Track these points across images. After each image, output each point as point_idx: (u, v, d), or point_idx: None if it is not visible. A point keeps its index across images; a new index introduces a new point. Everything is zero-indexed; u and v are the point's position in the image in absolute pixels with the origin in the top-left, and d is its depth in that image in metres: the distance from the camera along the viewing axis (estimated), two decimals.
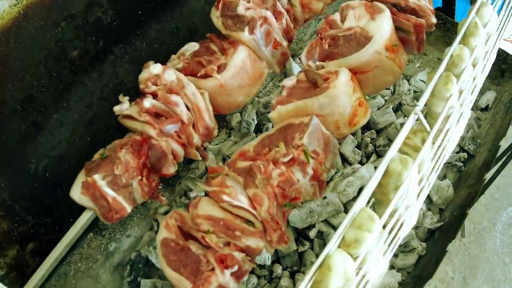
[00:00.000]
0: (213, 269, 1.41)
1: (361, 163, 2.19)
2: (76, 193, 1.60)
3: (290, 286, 1.92)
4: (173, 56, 1.79)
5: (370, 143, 2.24)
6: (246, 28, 1.68)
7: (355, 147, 2.22)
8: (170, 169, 1.66)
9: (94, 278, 2.01)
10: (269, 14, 1.71)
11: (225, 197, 1.42)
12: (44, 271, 1.64)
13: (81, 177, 1.60)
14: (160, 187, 1.83)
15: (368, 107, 1.58)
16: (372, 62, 1.57)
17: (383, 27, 1.57)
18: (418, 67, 2.60)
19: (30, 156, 1.73)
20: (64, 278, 1.94)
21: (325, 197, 2.04)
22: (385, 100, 2.34)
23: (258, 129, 2.30)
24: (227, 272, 1.42)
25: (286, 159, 1.47)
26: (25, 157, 1.72)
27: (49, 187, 1.84)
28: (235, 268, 1.43)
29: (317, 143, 1.50)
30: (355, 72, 1.60)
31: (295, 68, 2.42)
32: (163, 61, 1.95)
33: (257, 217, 1.45)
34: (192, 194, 2.10)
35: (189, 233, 1.52)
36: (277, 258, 2.00)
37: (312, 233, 2.00)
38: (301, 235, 2.04)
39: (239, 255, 1.45)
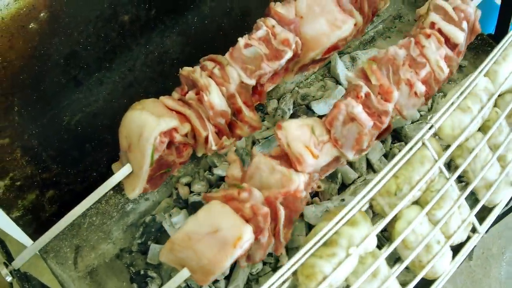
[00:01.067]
0: None
1: None
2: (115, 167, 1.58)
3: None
4: None
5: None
6: None
7: (383, 155, 2.12)
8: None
9: (106, 233, 2.03)
10: None
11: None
12: (66, 222, 1.58)
13: None
14: None
15: None
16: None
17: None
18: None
19: (66, 109, 1.72)
20: (77, 229, 1.96)
21: (343, 199, 1.99)
22: (421, 115, 2.23)
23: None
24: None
25: None
26: (61, 109, 1.71)
27: (79, 141, 1.84)
28: None
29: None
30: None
31: (340, 65, 2.32)
32: (211, 38, 1.89)
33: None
34: (215, 171, 2.04)
35: None
36: (286, 249, 1.94)
37: None
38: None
39: None
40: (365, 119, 1.43)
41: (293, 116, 2.22)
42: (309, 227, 1.99)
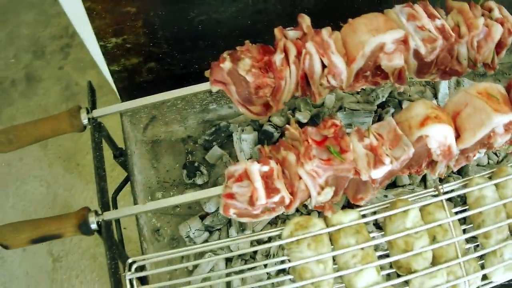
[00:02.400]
0: None
1: None
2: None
3: None
4: None
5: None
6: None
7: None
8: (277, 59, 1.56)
9: (182, 118, 2.19)
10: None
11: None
12: (155, 99, 1.67)
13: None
14: None
15: (446, 121, 1.45)
16: (461, 101, 1.47)
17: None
18: None
19: (195, 7, 1.79)
20: (159, 106, 2.00)
21: (386, 195, 2.02)
22: (488, 163, 2.13)
23: (382, 107, 2.16)
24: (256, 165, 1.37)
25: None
26: (191, 5, 1.78)
27: (194, 36, 1.90)
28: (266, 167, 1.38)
29: (386, 134, 1.44)
30: (453, 116, 1.49)
31: (444, 83, 2.24)
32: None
33: None
34: (297, 114, 2.08)
35: None
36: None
37: None
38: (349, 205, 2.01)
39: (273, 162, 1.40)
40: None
41: (383, 103, 2.17)
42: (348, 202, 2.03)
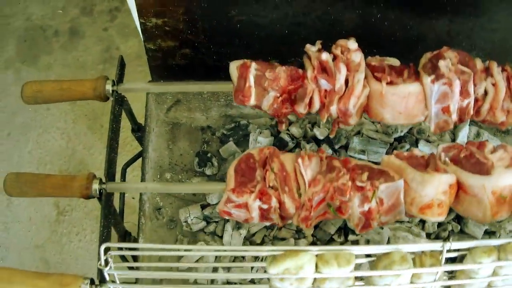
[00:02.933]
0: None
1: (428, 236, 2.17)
2: (233, 64, 1.69)
3: None
4: None
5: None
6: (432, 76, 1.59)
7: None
8: (300, 109, 1.67)
9: (205, 108, 2.30)
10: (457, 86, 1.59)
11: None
12: (184, 88, 1.84)
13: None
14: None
15: (445, 211, 1.53)
16: (475, 189, 1.50)
17: (505, 179, 1.48)
18: None
19: (237, 6, 1.89)
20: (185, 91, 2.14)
21: (382, 228, 2.10)
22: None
23: (399, 141, 2.27)
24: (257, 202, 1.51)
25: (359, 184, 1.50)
26: (234, 4, 1.88)
27: (231, 33, 2.00)
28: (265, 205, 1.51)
29: (388, 197, 1.52)
30: (459, 186, 1.53)
31: (464, 131, 2.30)
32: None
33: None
34: (315, 129, 2.20)
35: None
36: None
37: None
38: (345, 230, 2.13)
39: (274, 201, 1.52)
40: None
41: (401, 138, 2.27)
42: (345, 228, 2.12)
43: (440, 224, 2.20)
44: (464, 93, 1.64)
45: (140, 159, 2.12)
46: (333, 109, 1.62)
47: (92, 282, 1.47)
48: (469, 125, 2.36)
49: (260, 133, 2.19)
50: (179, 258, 2.10)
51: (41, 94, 1.75)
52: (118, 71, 1.79)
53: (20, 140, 3.16)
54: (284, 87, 1.64)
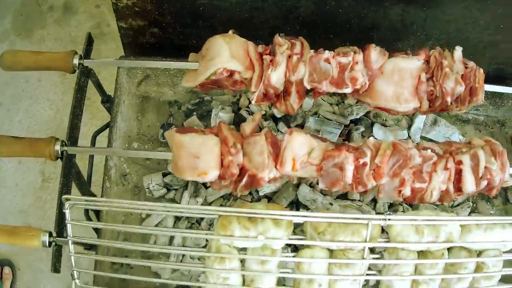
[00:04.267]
0: None
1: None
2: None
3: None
4: None
5: None
6: None
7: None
8: None
9: (173, 83, 2.58)
10: None
11: None
12: (150, 65, 2.15)
13: None
14: None
15: None
16: None
17: None
18: None
19: None
20: (153, 67, 2.42)
21: (331, 203, 2.35)
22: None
23: (355, 124, 2.51)
24: None
25: None
26: None
27: (195, 15, 2.26)
28: None
29: None
30: None
31: (420, 118, 2.58)
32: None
33: None
34: (273, 109, 2.45)
35: None
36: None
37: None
38: (297, 204, 2.39)
39: None
40: (348, 177, 1.71)
41: (357, 120, 2.50)
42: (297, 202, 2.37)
43: (391, 205, 2.45)
44: None
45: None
46: None
47: (50, 234, 1.76)
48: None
49: (222, 109, 2.46)
50: (141, 222, 2.39)
51: (18, 63, 2.03)
52: (85, 46, 2.06)
53: (10, 109, 3.48)
54: None
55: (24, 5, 3.83)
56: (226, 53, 1.81)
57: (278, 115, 2.47)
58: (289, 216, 1.63)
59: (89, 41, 2.08)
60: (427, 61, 1.85)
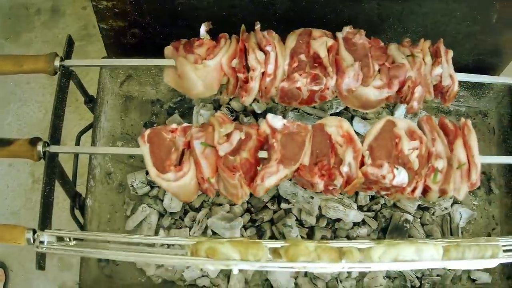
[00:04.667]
0: None
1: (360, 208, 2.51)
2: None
3: None
4: None
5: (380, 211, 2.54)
6: None
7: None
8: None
9: (155, 82, 2.70)
10: None
11: None
12: (132, 62, 2.21)
13: None
14: None
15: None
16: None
17: None
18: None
19: None
20: (135, 67, 2.52)
21: (312, 197, 2.44)
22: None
23: None
24: None
25: None
26: None
27: (174, 15, 2.34)
28: None
29: None
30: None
31: (402, 108, 2.66)
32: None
33: None
34: (253, 105, 2.58)
35: None
36: None
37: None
38: (278, 199, 2.47)
39: None
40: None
41: (335, 115, 2.60)
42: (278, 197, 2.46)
43: (373, 197, 2.53)
44: None
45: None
46: None
47: (34, 232, 1.84)
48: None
49: (204, 106, 2.54)
50: (126, 219, 2.48)
51: (1, 68, 2.12)
52: (66, 48, 2.14)
53: (0, 112, 3.56)
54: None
55: (12, 8, 3.90)
56: (201, 88, 1.96)
57: (259, 111, 2.55)
58: None
59: (70, 43, 2.16)
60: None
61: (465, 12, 2.31)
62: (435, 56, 2.04)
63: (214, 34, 2.04)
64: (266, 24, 2.07)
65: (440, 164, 1.83)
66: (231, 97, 2.09)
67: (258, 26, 1.96)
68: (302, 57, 1.97)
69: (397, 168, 1.80)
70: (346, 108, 2.61)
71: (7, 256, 3.26)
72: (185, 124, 1.86)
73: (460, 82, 2.51)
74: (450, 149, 1.85)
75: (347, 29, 2.02)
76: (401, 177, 1.82)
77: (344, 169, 1.78)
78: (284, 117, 2.52)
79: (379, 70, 1.96)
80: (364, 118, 2.60)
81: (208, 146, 1.78)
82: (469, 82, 2.62)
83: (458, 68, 2.06)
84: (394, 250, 1.67)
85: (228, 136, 1.76)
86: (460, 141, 1.84)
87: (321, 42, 1.97)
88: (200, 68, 1.92)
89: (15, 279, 3.26)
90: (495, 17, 2.33)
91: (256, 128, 1.81)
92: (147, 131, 1.79)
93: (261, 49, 1.94)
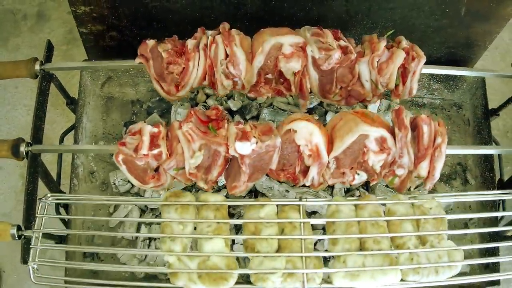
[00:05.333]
0: None
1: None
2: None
3: None
4: None
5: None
6: None
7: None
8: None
9: (134, 83, 2.87)
10: None
11: None
12: (110, 64, 2.41)
13: None
14: None
15: (312, 122, 1.96)
16: (338, 116, 2.05)
17: None
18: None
19: None
20: (114, 69, 2.64)
21: (288, 191, 2.57)
22: None
23: (309, 113, 2.77)
24: None
25: None
26: None
27: (149, 18, 2.50)
28: None
29: (261, 127, 1.98)
30: (330, 131, 2.04)
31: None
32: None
33: None
34: (229, 102, 2.73)
35: None
36: None
37: None
38: (255, 193, 2.62)
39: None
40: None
41: (311, 110, 2.74)
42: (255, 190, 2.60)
43: (348, 190, 2.67)
44: (336, 38, 2.11)
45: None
46: None
47: (19, 228, 2.00)
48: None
49: (181, 105, 2.69)
50: (109, 216, 2.64)
51: None
52: (46, 53, 2.29)
53: None
54: (177, 45, 2.15)
55: None
56: None
57: (234, 108, 2.69)
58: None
59: (49, 47, 2.31)
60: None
61: (433, 6, 2.43)
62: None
63: (188, 35, 2.15)
64: (239, 24, 2.21)
65: (401, 172, 1.99)
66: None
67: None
68: (269, 76, 2.12)
69: (358, 174, 1.97)
70: (320, 103, 2.75)
71: None
72: (155, 147, 1.95)
73: (433, 75, 2.68)
74: (415, 164, 1.95)
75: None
76: (360, 179, 1.99)
77: (307, 182, 1.97)
78: (259, 113, 2.68)
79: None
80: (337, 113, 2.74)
81: (181, 170, 1.96)
82: (441, 75, 2.76)
83: (431, 62, 2.17)
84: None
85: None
86: (426, 163, 1.93)
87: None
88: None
89: (7, 279, 3.41)
90: (463, 10, 2.46)
91: (225, 144, 1.92)
92: (119, 157, 1.92)
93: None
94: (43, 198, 2.01)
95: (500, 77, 2.45)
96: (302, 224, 1.89)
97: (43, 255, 1.97)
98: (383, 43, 2.07)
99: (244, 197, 2.60)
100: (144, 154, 1.90)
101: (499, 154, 2.61)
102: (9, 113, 3.73)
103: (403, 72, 2.11)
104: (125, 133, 2.69)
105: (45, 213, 1.98)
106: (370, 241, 1.88)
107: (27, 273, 3.37)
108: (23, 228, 2.02)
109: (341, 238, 1.88)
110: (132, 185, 2.64)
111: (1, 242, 3.33)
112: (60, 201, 2.19)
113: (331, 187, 2.65)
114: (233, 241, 2.45)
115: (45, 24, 3.99)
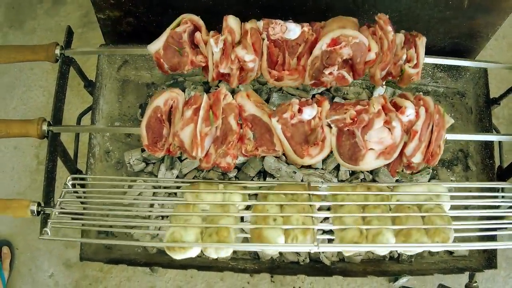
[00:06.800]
0: None
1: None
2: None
3: None
4: None
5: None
6: None
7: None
8: None
9: (150, 67, 3.03)
10: None
11: None
12: (129, 51, 2.55)
13: None
14: None
15: None
16: None
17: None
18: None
19: None
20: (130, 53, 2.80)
21: (295, 172, 2.72)
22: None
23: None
24: None
25: None
26: None
27: (165, 5, 2.67)
28: None
29: None
30: None
31: (380, 90, 2.95)
32: None
33: None
34: (240, 86, 2.83)
35: None
36: None
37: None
38: (264, 174, 2.78)
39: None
40: None
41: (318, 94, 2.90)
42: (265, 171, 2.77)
43: (353, 173, 2.84)
44: None
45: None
46: None
47: (38, 204, 2.17)
48: (386, 85, 2.97)
49: (195, 88, 2.87)
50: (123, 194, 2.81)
51: (5, 57, 2.43)
52: (66, 38, 2.46)
53: (6, 97, 3.90)
54: None
55: None
56: None
57: None
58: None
59: (69, 33, 2.48)
60: None
61: None
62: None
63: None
64: (251, 12, 2.36)
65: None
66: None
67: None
68: None
69: None
70: (328, 89, 2.92)
71: (13, 235, 3.62)
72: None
73: (437, 64, 2.83)
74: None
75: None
76: None
77: None
78: (269, 97, 2.86)
79: None
80: (345, 99, 2.90)
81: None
82: (445, 64, 2.91)
83: (435, 51, 2.31)
84: None
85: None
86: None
87: None
88: None
89: (20, 257, 3.61)
90: (466, 2, 2.58)
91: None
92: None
93: None
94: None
95: (503, 68, 2.53)
96: (310, 195, 2.05)
97: (56, 233, 2.13)
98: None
99: (253, 177, 2.77)
100: None
101: (499, 142, 2.74)
102: (25, 94, 3.92)
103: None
104: (140, 115, 2.90)
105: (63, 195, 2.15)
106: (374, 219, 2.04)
107: (39, 251, 3.61)
108: (42, 204, 2.18)
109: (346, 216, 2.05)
110: (146, 164, 2.82)
111: (15, 220, 3.57)
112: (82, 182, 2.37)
113: (337, 169, 2.83)
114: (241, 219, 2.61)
115: (61, 7, 4.17)
